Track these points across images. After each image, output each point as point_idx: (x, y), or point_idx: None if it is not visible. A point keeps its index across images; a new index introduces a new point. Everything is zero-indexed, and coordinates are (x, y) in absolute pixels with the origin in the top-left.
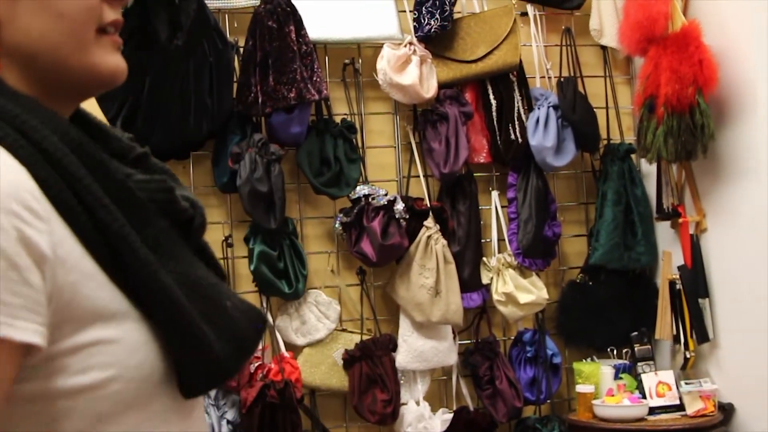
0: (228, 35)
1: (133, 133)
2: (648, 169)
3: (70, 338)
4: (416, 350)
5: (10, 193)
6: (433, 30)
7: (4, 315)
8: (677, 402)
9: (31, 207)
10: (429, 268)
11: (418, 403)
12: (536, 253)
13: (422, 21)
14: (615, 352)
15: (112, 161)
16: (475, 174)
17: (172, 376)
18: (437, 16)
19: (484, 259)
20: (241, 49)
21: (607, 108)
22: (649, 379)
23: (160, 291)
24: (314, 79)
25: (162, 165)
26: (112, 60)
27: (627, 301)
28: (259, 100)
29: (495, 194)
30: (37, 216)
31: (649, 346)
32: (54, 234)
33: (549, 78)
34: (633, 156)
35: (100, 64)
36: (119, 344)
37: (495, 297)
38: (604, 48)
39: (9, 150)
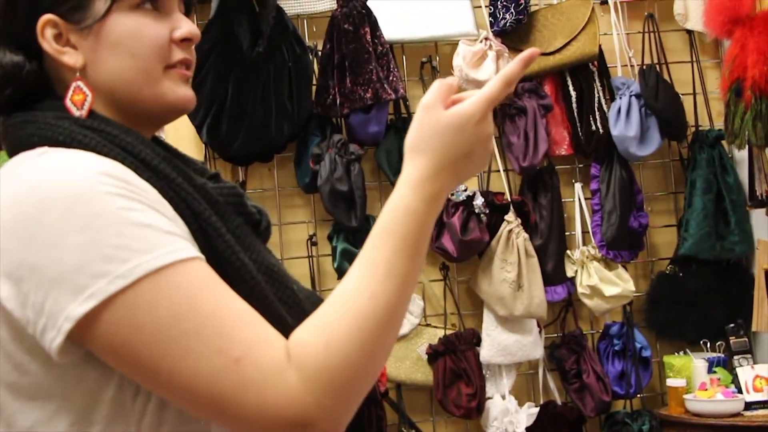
0: (306, 40)
1: (218, 139)
2: (741, 156)
3: None
4: (500, 344)
5: (123, 173)
6: (508, 24)
7: (184, 240)
8: None
9: (148, 189)
10: (510, 262)
11: (503, 398)
12: (621, 244)
13: (498, 16)
14: (708, 345)
15: (193, 173)
16: (557, 166)
17: None
18: (512, 10)
19: (568, 252)
20: (320, 53)
21: (694, 94)
22: (745, 373)
23: (241, 268)
24: (390, 78)
25: (232, 183)
26: (180, 91)
27: (721, 292)
28: (337, 102)
29: (578, 186)
30: (154, 197)
31: (746, 339)
32: (169, 212)
33: (632, 66)
34: (723, 142)
35: (167, 95)
36: None
37: (580, 290)
38: (690, 32)
39: (117, 161)
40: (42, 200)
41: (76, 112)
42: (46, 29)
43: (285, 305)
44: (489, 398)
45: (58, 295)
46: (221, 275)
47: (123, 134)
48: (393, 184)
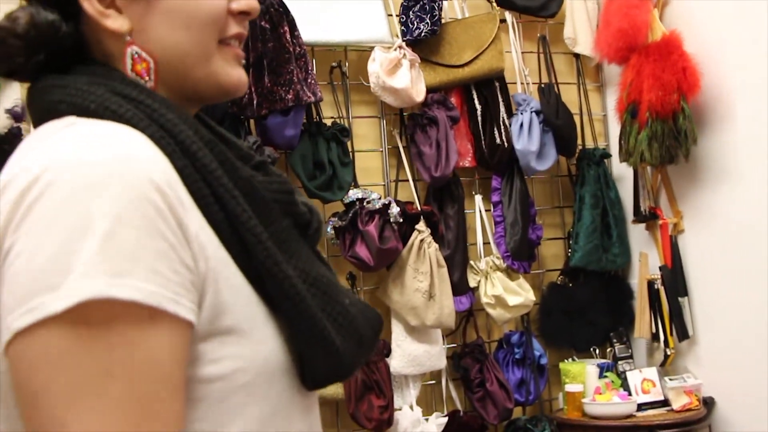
0: None
1: None
2: (620, 173)
3: (208, 324)
4: (410, 354)
5: (163, 177)
6: (423, 34)
7: (170, 291)
8: (662, 398)
9: (179, 193)
10: (423, 272)
11: (411, 408)
12: (523, 255)
13: (410, 25)
14: (597, 351)
15: (237, 161)
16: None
17: (294, 369)
18: (427, 20)
19: (472, 262)
20: None
21: (581, 114)
22: (634, 377)
23: (284, 281)
24: (309, 81)
25: (280, 172)
26: (234, 72)
27: (604, 301)
28: (254, 102)
29: (478, 198)
30: (182, 202)
31: (627, 345)
32: (195, 219)
33: (527, 84)
34: (607, 161)
35: (221, 74)
36: (250, 335)
37: (484, 300)
38: (576, 56)
39: (152, 140)
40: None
41: (144, 83)
42: None
43: (335, 324)
44: (398, 409)
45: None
46: (259, 289)
47: (164, 109)
48: (306, 189)
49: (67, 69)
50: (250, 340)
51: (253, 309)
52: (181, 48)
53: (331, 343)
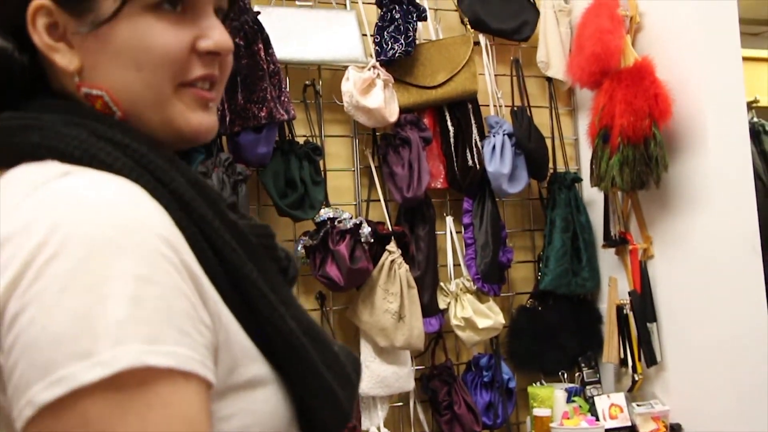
0: None
1: None
2: (591, 198)
3: (221, 383)
4: (379, 376)
5: (169, 231)
6: (397, 54)
7: (198, 354)
8: (629, 423)
9: (185, 247)
10: (393, 293)
11: (379, 430)
12: (494, 278)
13: (384, 45)
14: (565, 375)
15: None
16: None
17: (296, 422)
18: (401, 41)
19: (442, 284)
20: None
21: (553, 138)
22: (602, 402)
23: (291, 336)
24: (282, 99)
25: (257, 220)
26: (194, 118)
27: (573, 325)
28: (227, 118)
29: (450, 219)
30: (189, 258)
31: (595, 370)
32: (204, 277)
33: (500, 106)
34: (578, 185)
35: (178, 120)
36: (256, 391)
37: (454, 322)
38: (549, 80)
39: (147, 190)
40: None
41: (115, 117)
42: (38, 17)
43: (332, 373)
44: (365, 431)
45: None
46: (260, 343)
47: (152, 154)
48: (277, 207)
49: (23, 102)
50: (256, 396)
51: (258, 365)
52: (132, 90)
53: (337, 396)
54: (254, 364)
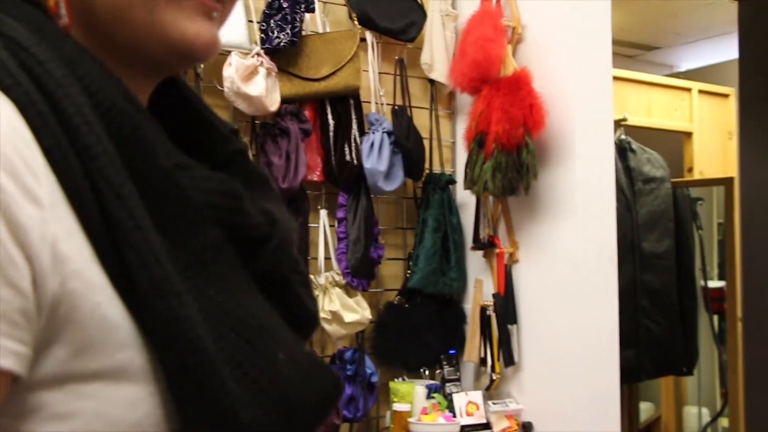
0: None
1: None
2: (463, 200)
3: (57, 366)
4: None
5: (15, 156)
6: (282, 44)
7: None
8: (484, 421)
9: (28, 184)
10: None
11: None
12: (363, 273)
13: (270, 34)
14: (427, 372)
15: (172, 148)
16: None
17: None
18: (287, 30)
19: (312, 276)
20: None
21: (431, 139)
22: (460, 399)
23: (171, 323)
24: None
25: (260, 170)
26: (191, 26)
27: (438, 324)
28: None
29: (324, 213)
30: (33, 196)
31: (456, 368)
32: (58, 222)
33: (381, 104)
34: (451, 186)
35: (169, 26)
36: (119, 388)
37: (321, 315)
38: (431, 81)
39: (17, 105)
40: None
41: (59, 21)
42: None
43: (250, 386)
44: None
45: None
46: (143, 328)
47: (54, 63)
48: None
49: None
50: (114, 395)
51: (129, 354)
52: None
53: (230, 414)
54: (121, 352)
